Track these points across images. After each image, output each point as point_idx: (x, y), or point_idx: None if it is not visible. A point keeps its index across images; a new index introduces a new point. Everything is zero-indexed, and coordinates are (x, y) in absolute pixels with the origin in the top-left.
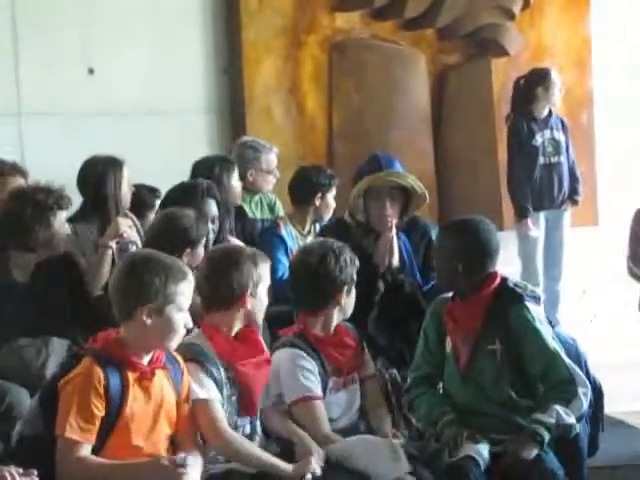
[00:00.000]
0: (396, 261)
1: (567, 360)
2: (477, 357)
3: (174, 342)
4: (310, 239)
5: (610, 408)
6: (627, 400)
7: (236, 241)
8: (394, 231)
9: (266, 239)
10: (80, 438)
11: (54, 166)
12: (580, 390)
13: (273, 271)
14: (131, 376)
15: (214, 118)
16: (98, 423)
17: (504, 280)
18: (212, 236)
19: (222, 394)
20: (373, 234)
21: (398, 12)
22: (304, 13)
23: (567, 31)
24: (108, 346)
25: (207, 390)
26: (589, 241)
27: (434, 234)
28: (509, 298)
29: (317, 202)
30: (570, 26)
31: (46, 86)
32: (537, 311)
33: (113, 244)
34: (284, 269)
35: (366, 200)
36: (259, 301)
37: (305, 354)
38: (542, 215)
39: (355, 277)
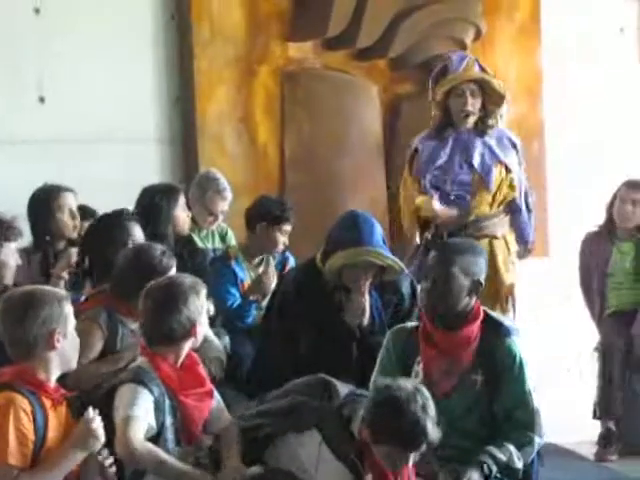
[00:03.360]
0: (366, 320)
1: (536, 406)
2: (459, 386)
3: (75, 361)
4: (261, 270)
5: (562, 438)
6: (578, 430)
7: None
8: (367, 295)
9: (216, 269)
10: (22, 464)
11: (6, 195)
12: (536, 439)
13: (222, 301)
14: (47, 403)
15: (166, 147)
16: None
17: (485, 312)
18: None
19: (165, 421)
20: (344, 289)
21: (350, 42)
22: (256, 43)
23: (518, 62)
24: (19, 376)
25: (134, 409)
26: (540, 272)
27: (405, 286)
28: (498, 331)
29: (258, 231)
30: (521, 57)
31: None
32: (520, 345)
33: (65, 274)
34: (233, 299)
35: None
36: (203, 327)
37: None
38: None
39: None
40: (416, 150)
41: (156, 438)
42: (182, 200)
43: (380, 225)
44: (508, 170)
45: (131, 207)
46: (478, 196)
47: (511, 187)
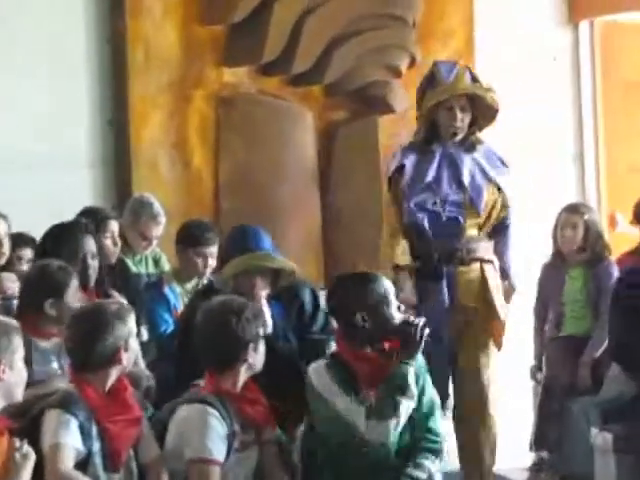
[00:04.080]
0: (269, 328)
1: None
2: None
3: (20, 392)
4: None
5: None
6: (511, 457)
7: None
8: (264, 302)
9: (149, 295)
10: None
11: None
12: (445, 444)
13: (155, 327)
14: None
15: (99, 171)
16: None
17: None
18: (92, 272)
19: (92, 447)
20: None
21: (286, 68)
22: (191, 67)
23: None
24: None
25: (62, 436)
26: None
27: (306, 295)
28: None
29: (179, 254)
30: None
31: None
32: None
33: None
34: (167, 325)
35: (235, 276)
36: (132, 352)
37: (217, 413)
38: None
39: (261, 332)
40: (402, 167)
41: (85, 463)
42: (112, 228)
43: (315, 252)
44: (500, 190)
45: None
46: (468, 219)
47: (503, 208)
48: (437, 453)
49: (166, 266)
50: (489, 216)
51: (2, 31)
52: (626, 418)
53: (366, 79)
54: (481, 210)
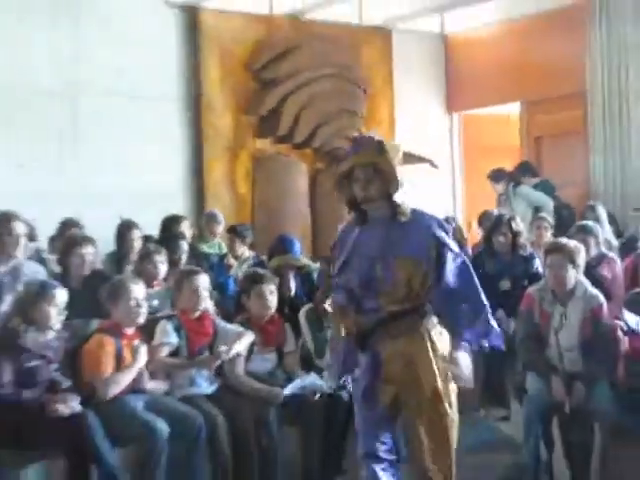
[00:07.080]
0: (292, 293)
1: None
2: None
3: None
4: (245, 267)
5: None
6: None
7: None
8: (292, 281)
9: (219, 268)
10: None
11: None
12: None
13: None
14: None
15: (183, 201)
16: None
17: None
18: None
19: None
20: (281, 277)
21: (291, 139)
22: (239, 139)
23: None
24: None
25: (164, 337)
26: None
27: (314, 275)
28: None
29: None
30: None
31: None
32: None
33: None
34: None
35: (276, 266)
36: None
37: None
38: None
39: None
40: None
41: (175, 352)
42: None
43: (301, 242)
44: (421, 263)
45: None
46: (384, 296)
47: (426, 277)
48: None
49: (224, 249)
50: (409, 290)
51: None
52: None
53: (333, 145)
54: (389, 286)
